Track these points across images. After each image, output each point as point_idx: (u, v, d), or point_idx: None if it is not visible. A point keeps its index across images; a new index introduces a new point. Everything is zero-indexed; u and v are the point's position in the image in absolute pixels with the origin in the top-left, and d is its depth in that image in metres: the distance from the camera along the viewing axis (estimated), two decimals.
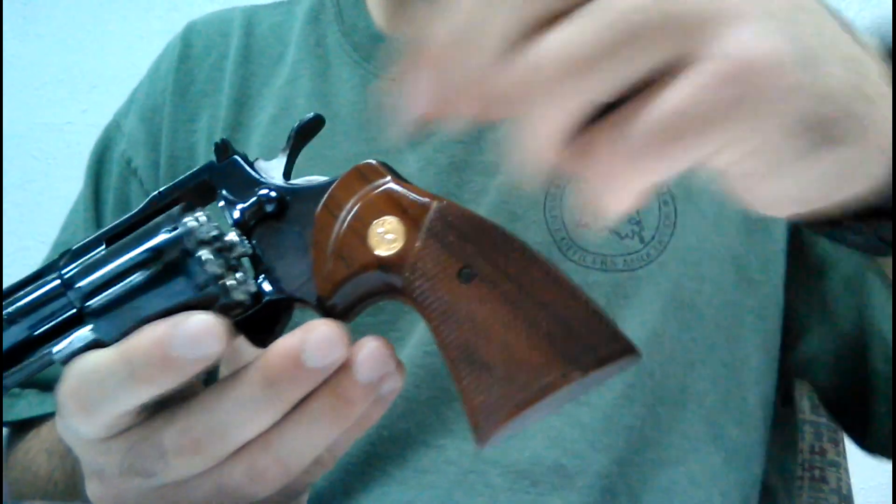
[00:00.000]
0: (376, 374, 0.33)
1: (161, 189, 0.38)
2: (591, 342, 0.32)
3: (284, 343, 0.32)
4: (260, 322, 0.36)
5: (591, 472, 0.51)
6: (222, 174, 0.38)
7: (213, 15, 0.68)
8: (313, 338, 0.32)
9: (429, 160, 0.56)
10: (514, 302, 0.33)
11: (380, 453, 0.53)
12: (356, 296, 0.35)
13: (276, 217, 0.36)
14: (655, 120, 0.26)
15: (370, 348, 0.33)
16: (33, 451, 0.57)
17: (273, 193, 0.36)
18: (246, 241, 0.36)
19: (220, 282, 0.34)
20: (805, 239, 0.56)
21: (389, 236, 0.34)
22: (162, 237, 0.34)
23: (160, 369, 0.31)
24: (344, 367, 0.33)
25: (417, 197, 0.35)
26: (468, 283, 0.33)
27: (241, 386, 0.32)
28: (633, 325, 0.53)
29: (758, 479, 0.56)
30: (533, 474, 0.51)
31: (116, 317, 0.35)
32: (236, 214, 0.36)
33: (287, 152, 0.39)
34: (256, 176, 0.37)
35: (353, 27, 0.63)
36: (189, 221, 0.34)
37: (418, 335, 0.54)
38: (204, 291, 0.34)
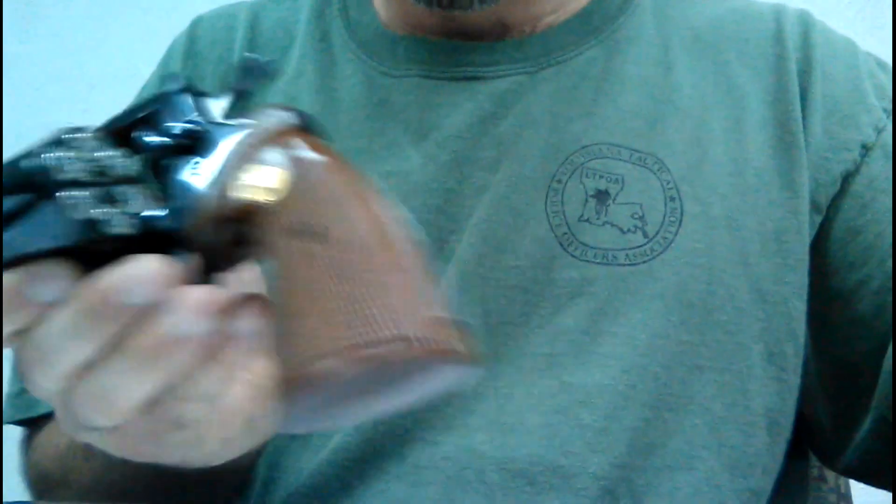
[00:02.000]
0: (196, 329, 0.31)
1: (113, 116, 0.37)
2: (374, 328, 0.30)
3: (104, 274, 0.31)
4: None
5: (589, 474, 0.51)
6: (167, 105, 0.36)
7: (219, 9, 0.68)
8: (133, 272, 0.30)
9: (430, 156, 0.56)
10: (340, 270, 0.31)
11: (377, 449, 0.53)
12: (228, 243, 0.34)
13: (190, 153, 0.35)
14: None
15: (195, 297, 0.31)
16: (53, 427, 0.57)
17: (191, 127, 0.35)
18: (136, 168, 0.34)
19: (90, 217, 0.32)
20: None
21: (259, 184, 0.33)
22: (26, 162, 0.32)
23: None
24: (162, 310, 0.31)
25: (297, 148, 0.34)
26: (304, 239, 0.32)
27: (61, 313, 0.31)
28: (634, 323, 0.52)
29: (763, 491, 0.55)
30: (530, 473, 0.51)
31: None
32: (149, 141, 0.35)
33: (231, 91, 0.37)
34: (190, 109, 0.36)
35: (357, 24, 0.63)
36: (57, 152, 0.32)
37: None
38: (74, 228, 0.31)
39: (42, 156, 0.32)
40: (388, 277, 0.31)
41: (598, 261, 0.53)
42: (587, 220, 0.54)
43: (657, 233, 0.54)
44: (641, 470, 0.52)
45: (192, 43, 0.67)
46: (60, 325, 0.31)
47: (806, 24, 0.61)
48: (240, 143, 0.34)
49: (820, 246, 0.57)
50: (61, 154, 0.32)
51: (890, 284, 0.54)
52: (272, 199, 0.33)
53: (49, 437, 0.56)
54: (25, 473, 0.58)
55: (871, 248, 0.55)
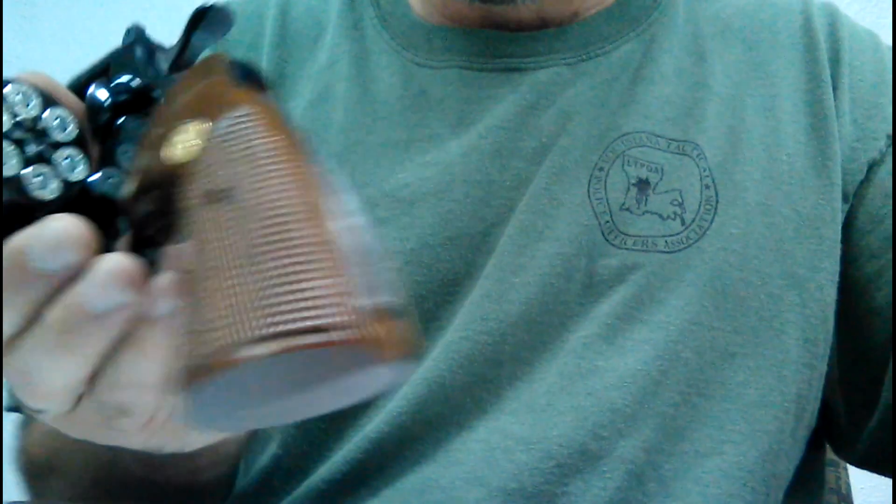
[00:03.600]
0: (107, 302, 0.28)
1: (75, 76, 0.35)
2: (301, 314, 0.25)
3: (17, 237, 0.28)
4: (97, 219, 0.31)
5: (616, 457, 0.51)
6: (121, 60, 0.34)
7: None
8: (44, 234, 0.28)
9: (472, 147, 0.56)
10: (246, 242, 0.27)
11: (414, 435, 0.53)
12: (156, 209, 0.31)
13: (138, 108, 0.32)
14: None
15: (105, 267, 0.28)
16: None
17: (133, 82, 0.33)
18: (73, 129, 0.32)
19: (17, 175, 0.30)
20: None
21: (185, 144, 0.30)
22: None
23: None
24: (77, 280, 0.28)
25: (222, 102, 0.30)
26: (215, 206, 0.28)
27: None
28: (669, 310, 0.53)
29: (785, 477, 0.56)
30: (559, 455, 0.51)
31: None
32: (94, 98, 0.32)
33: (180, 41, 0.34)
34: (143, 63, 0.33)
35: (390, 14, 0.62)
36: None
37: (458, 321, 0.54)
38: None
39: None
40: (309, 254, 0.26)
41: (637, 248, 0.54)
42: (628, 210, 0.54)
43: (693, 220, 0.54)
44: (670, 454, 0.52)
45: None
46: None
47: (832, 15, 0.62)
48: (173, 102, 0.31)
49: (844, 234, 0.57)
50: None
51: None
52: (189, 160, 0.29)
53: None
54: (17, 462, 0.58)
55: (891, 238, 0.56)
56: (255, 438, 0.57)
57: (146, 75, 0.33)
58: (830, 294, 0.56)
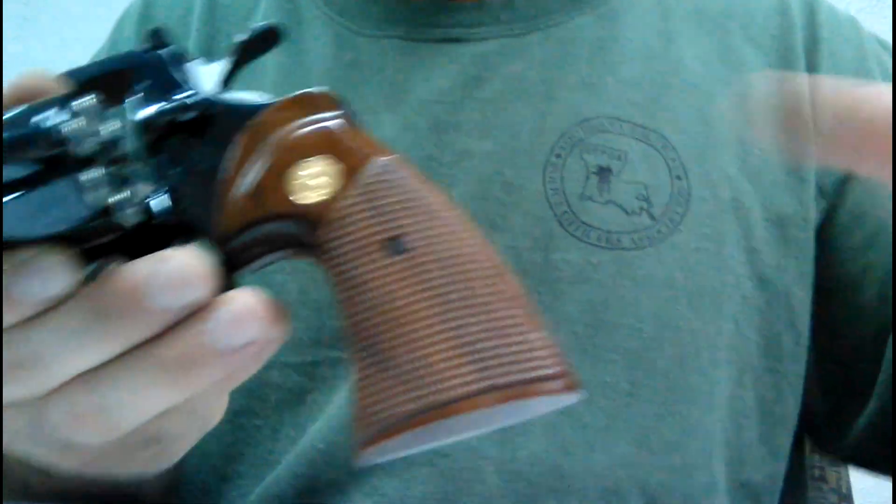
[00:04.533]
0: (239, 340, 0.27)
1: (73, 69, 0.32)
2: (524, 364, 0.27)
3: (129, 270, 0.27)
4: (149, 248, 0.29)
5: (591, 474, 0.49)
6: (145, 67, 0.31)
7: None
8: (165, 269, 0.26)
9: (408, 122, 0.53)
10: (442, 293, 0.27)
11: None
12: (262, 243, 0.30)
13: (193, 130, 0.30)
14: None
15: (239, 305, 0.27)
16: None
17: (193, 101, 0.30)
18: (143, 151, 0.29)
19: (104, 200, 0.28)
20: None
21: (316, 182, 0.29)
22: (46, 121, 0.28)
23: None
24: (202, 317, 0.27)
25: (360, 144, 0.30)
26: (394, 257, 0.28)
27: (67, 312, 0.27)
28: (641, 312, 0.50)
29: (758, 484, 0.54)
30: (530, 475, 0.49)
31: None
32: (142, 116, 0.29)
33: (230, 60, 0.32)
34: (180, 78, 0.31)
35: None
36: (75, 117, 0.27)
37: None
38: (86, 213, 0.27)
39: (59, 123, 0.27)
40: (516, 305, 0.28)
41: (601, 244, 0.50)
42: (589, 198, 0.51)
43: (664, 214, 0.51)
44: (650, 468, 0.50)
45: (147, 7, 0.63)
46: (63, 326, 0.27)
47: (811, 1, 0.59)
48: (271, 134, 0.30)
49: (825, 231, 0.55)
50: (78, 126, 0.28)
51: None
52: (324, 201, 0.28)
53: None
54: None
55: (876, 234, 0.54)
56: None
57: (195, 93, 0.31)
58: (799, 296, 0.54)
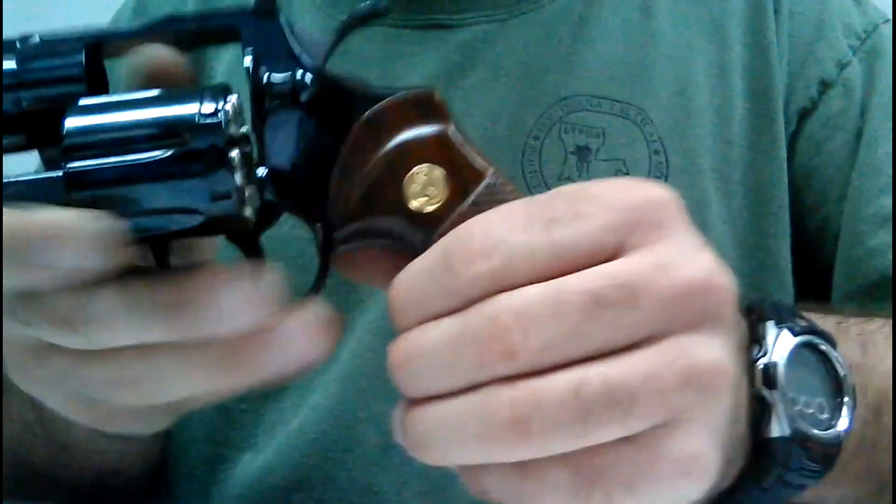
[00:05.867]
0: (294, 353, 0.30)
1: (178, 15, 0.33)
2: None
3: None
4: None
5: None
6: (256, 32, 0.31)
7: None
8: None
9: None
10: None
11: (359, 438, 0.50)
12: (365, 233, 0.31)
13: (302, 107, 0.30)
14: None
15: (303, 321, 0.29)
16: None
17: (309, 77, 0.31)
18: (259, 127, 0.30)
19: (239, 193, 0.28)
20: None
21: (429, 189, 0.30)
22: (193, 112, 0.27)
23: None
24: (270, 325, 0.29)
25: (475, 157, 0.31)
26: None
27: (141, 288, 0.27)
28: None
29: None
30: None
31: (100, 199, 0.27)
32: (263, 89, 0.30)
33: (336, 35, 0.33)
34: (297, 53, 0.31)
35: None
36: (228, 107, 0.28)
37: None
38: (218, 202, 0.28)
39: (218, 114, 0.27)
40: None
41: None
42: (568, 178, 0.51)
43: None
44: None
45: (140, 4, 0.63)
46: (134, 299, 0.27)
47: None
48: (401, 134, 0.30)
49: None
50: (236, 127, 0.28)
51: (848, 229, 0.52)
52: (443, 209, 0.30)
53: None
54: None
55: (826, 190, 0.54)
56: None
57: (312, 70, 0.31)
58: (784, 256, 0.54)
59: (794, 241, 0.55)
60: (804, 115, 0.56)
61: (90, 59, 0.31)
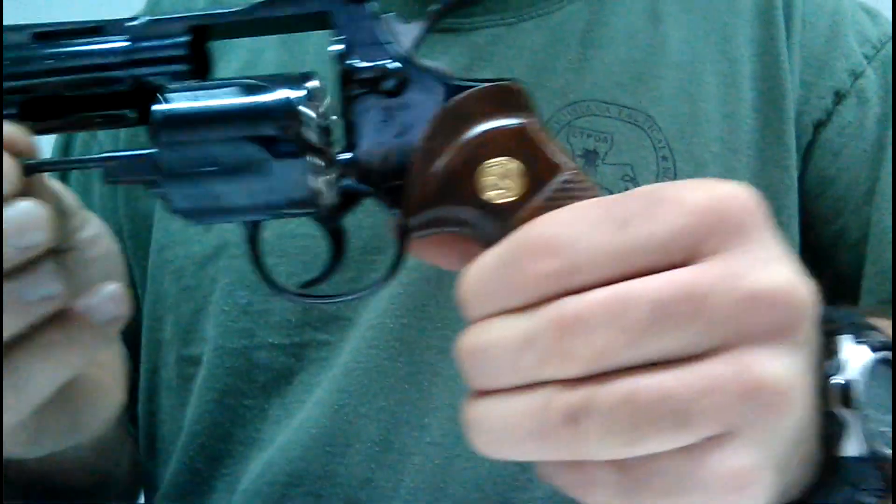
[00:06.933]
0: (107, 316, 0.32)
1: (265, 2, 0.33)
2: None
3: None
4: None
5: None
6: (347, 15, 0.32)
7: None
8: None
9: None
10: None
11: (359, 433, 0.51)
12: (439, 221, 0.32)
13: (388, 95, 0.31)
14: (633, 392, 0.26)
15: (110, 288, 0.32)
16: None
17: (397, 66, 0.31)
18: (342, 110, 0.31)
19: (322, 177, 0.30)
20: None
21: (504, 182, 0.30)
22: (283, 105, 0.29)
23: None
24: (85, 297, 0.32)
25: (553, 153, 0.31)
26: None
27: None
28: None
29: None
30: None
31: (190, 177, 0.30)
32: (351, 75, 0.31)
33: (426, 23, 0.33)
34: (385, 39, 0.32)
35: None
36: (314, 93, 0.29)
37: (386, 306, 0.51)
38: (301, 187, 0.29)
39: (300, 108, 0.29)
40: None
41: None
42: None
43: None
44: None
45: (154, 4, 0.63)
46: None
47: None
48: (481, 124, 0.31)
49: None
50: (316, 117, 0.30)
51: (877, 238, 0.52)
52: (519, 202, 0.30)
53: None
54: None
55: (844, 198, 0.54)
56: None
57: (399, 57, 0.32)
58: None
59: (803, 251, 0.55)
60: (819, 125, 0.55)
61: (195, 41, 0.33)
